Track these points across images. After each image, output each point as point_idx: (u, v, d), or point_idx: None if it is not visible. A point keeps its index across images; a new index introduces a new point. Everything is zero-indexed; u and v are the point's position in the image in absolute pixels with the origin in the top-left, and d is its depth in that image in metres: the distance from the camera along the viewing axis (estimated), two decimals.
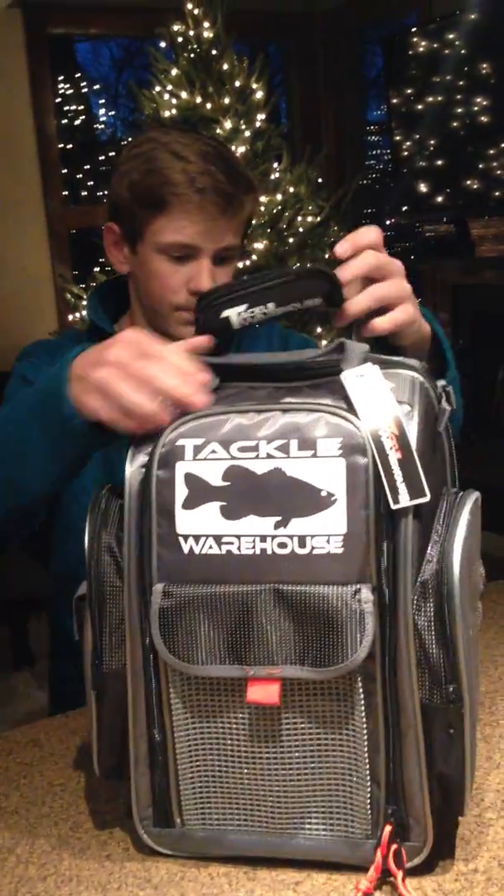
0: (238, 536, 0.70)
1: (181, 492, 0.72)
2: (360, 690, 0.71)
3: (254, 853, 0.76)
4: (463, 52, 3.20)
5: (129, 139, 3.72)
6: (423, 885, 0.72)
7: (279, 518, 0.70)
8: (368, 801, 0.73)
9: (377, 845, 0.72)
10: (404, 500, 0.68)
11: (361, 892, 0.70)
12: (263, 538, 0.70)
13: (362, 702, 0.71)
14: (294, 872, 0.75)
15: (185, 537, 0.72)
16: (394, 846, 0.71)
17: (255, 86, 3.03)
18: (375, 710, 0.71)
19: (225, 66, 2.97)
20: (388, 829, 0.71)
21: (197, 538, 0.72)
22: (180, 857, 0.78)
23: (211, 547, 0.71)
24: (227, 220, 1.12)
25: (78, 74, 4.49)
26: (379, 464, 0.68)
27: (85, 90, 4.36)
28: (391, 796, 0.72)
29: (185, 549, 0.72)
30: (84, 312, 3.10)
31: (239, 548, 0.70)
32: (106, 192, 3.36)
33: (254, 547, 0.70)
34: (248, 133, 3.01)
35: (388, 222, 3.84)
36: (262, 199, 2.98)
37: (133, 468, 0.74)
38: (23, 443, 0.85)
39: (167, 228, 1.11)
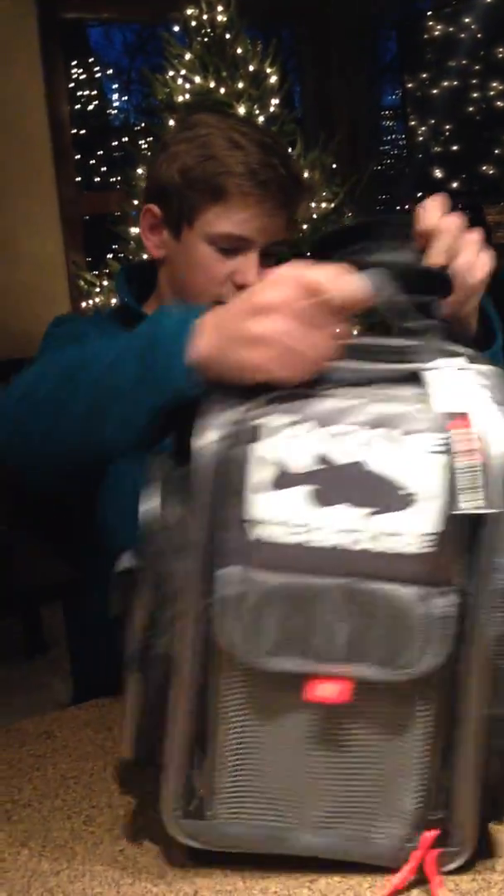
0: (320, 526, 0.67)
1: (262, 473, 0.68)
2: (426, 695, 0.69)
3: (287, 851, 0.75)
4: (479, 35, 3.17)
5: (143, 125, 3.70)
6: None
7: (369, 510, 0.66)
8: (416, 805, 0.71)
9: (415, 848, 0.70)
10: (486, 506, 0.66)
11: (393, 886, 0.69)
12: (348, 530, 0.67)
13: (426, 707, 0.69)
14: (308, 870, 0.74)
15: (261, 522, 0.68)
16: (435, 851, 0.70)
17: (268, 70, 3.01)
18: (438, 716, 0.69)
19: (238, 51, 2.95)
20: (431, 833, 0.70)
21: (273, 523, 0.67)
22: (207, 850, 0.78)
23: (289, 534, 0.67)
24: (283, 217, 1.10)
25: (91, 60, 4.46)
26: (468, 465, 0.66)
27: (98, 76, 4.34)
28: (440, 802, 0.71)
29: (259, 534, 0.68)
30: (97, 300, 3.09)
31: (319, 538, 0.67)
32: (119, 178, 3.35)
33: (335, 538, 0.67)
34: (261, 118, 2.98)
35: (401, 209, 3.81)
36: None
37: (205, 442, 0.69)
38: (114, 388, 0.79)
39: (222, 218, 1.08)
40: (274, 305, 0.70)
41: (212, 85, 2.92)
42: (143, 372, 0.77)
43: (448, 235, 0.84)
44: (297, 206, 1.14)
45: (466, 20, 3.21)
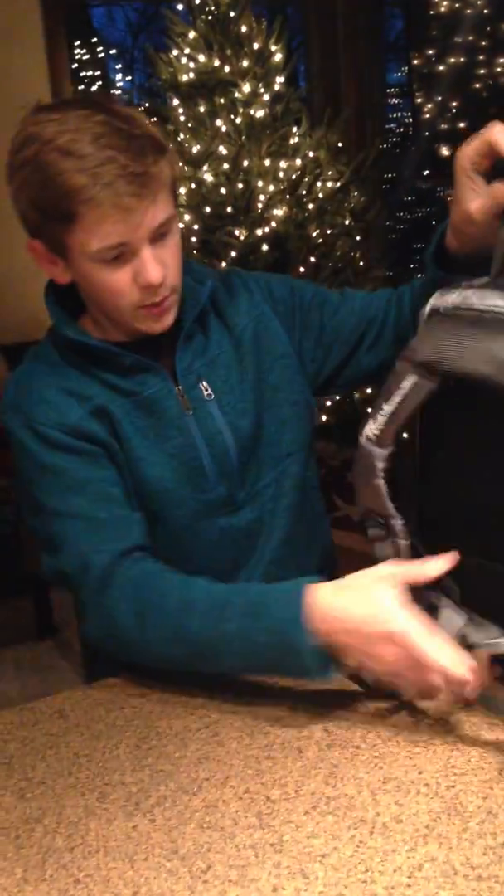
0: None
1: None
2: None
3: None
4: (485, 11, 3.13)
5: (146, 105, 3.66)
6: (450, 859, 0.71)
7: None
8: None
9: None
10: None
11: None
12: None
13: None
14: (321, 844, 0.75)
15: None
16: None
17: (273, 48, 2.98)
18: None
19: (243, 29, 2.92)
20: None
21: None
22: (206, 825, 0.78)
23: None
24: (149, 200, 0.99)
25: (94, 40, 4.43)
26: None
27: (102, 55, 4.31)
28: None
29: None
30: None
31: None
32: None
33: None
34: (266, 97, 2.96)
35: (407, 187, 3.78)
36: (282, 164, 2.93)
37: None
38: (230, 661, 0.96)
39: (90, 237, 0.99)
40: (387, 661, 0.87)
41: (216, 63, 2.90)
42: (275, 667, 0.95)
43: None
44: (160, 178, 1.00)
45: None
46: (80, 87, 4.42)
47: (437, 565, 0.87)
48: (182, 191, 2.89)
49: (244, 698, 0.98)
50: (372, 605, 0.87)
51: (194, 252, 2.90)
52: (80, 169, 0.96)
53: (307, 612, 0.89)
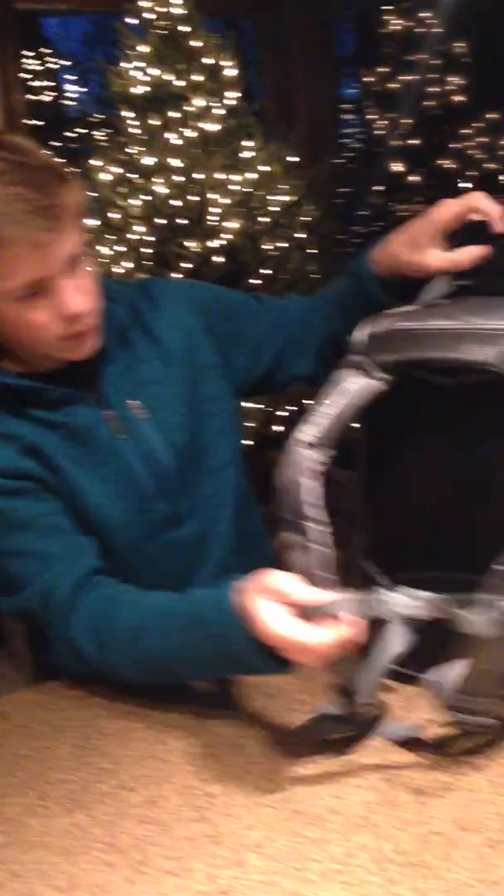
0: None
1: None
2: None
3: None
4: (437, 30, 3.20)
5: (100, 116, 3.66)
6: (382, 847, 0.73)
7: None
8: None
9: None
10: None
11: None
12: None
13: None
14: (257, 836, 0.76)
15: None
16: None
17: (225, 63, 3.01)
18: None
19: (195, 43, 2.95)
20: None
21: None
22: (145, 820, 0.79)
23: None
24: (60, 232, 0.97)
25: (47, 51, 4.44)
26: None
27: (55, 67, 4.32)
28: None
29: None
30: None
31: None
32: (75, 170, 3.34)
33: None
34: (219, 111, 2.99)
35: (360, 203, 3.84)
36: (235, 177, 2.96)
37: None
38: (184, 671, 0.96)
39: (4, 278, 0.97)
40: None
41: (168, 77, 2.92)
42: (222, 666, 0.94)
43: None
44: (67, 209, 0.98)
45: (424, 15, 3.24)
46: (33, 98, 4.41)
47: (318, 597, 0.81)
48: (134, 202, 2.91)
49: (187, 699, 0.99)
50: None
51: (147, 263, 2.91)
52: None
53: (239, 614, 0.86)
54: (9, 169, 0.95)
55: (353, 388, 0.90)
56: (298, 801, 0.80)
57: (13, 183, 0.94)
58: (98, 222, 2.90)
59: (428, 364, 0.88)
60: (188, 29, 2.93)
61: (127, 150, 2.96)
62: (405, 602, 0.80)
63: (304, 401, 3.01)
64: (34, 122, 4.24)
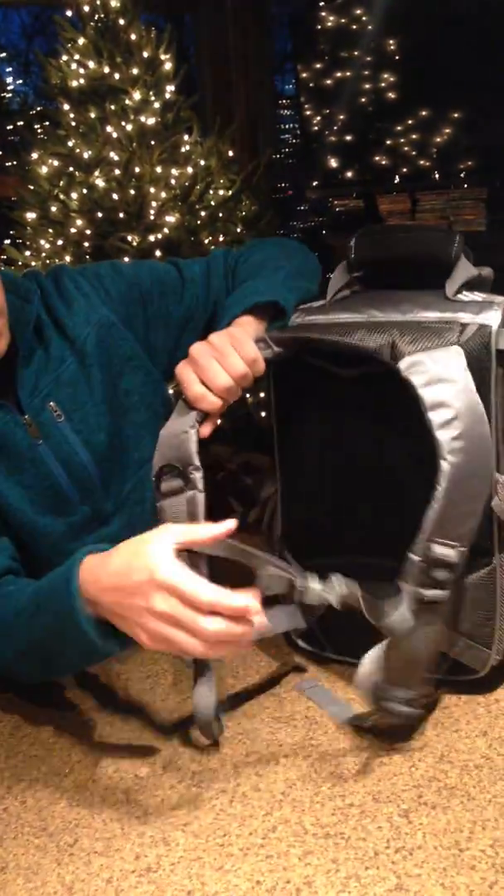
0: None
1: None
2: None
3: None
4: (370, 27, 3.25)
5: (39, 109, 3.62)
6: (302, 821, 0.77)
7: None
8: None
9: None
10: None
11: None
12: None
13: None
14: (183, 814, 0.79)
15: None
16: None
17: (163, 57, 3.02)
18: None
19: (133, 37, 2.95)
20: None
21: None
22: (75, 803, 0.82)
23: None
24: None
25: None
26: None
27: None
28: None
29: None
30: None
31: None
32: (14, 163, 3.31)
33: None
34: (157, 104, 2.99)
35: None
36: (174, 171, 2.97)
37: None
38: (49, 655, 0.89)
39: None
40: (155, 611, 0.78)
41: (106, 70, 2.92)
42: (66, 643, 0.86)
43: None
44: None
45: (358, 12, 3.29)
46: None
47: (214, 528, 0.82)
48: (73, 196, 2.90)
49: (118, 687, 1.02)
50: (132, 557, 0.82)
51: (87, 257, 2.91)
52: None
53: (78, 584, 0.84)
54: None
55: None
56: (223, 781, 0.83)
57: None
58: (37, 216, 2.89)
59: (315, 345, 0.92)
60: (125, 22, 2.93)
61: (66, 143, 2.95)
62: (318, 593, 0.84)
63: None
64: None
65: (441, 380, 0.82)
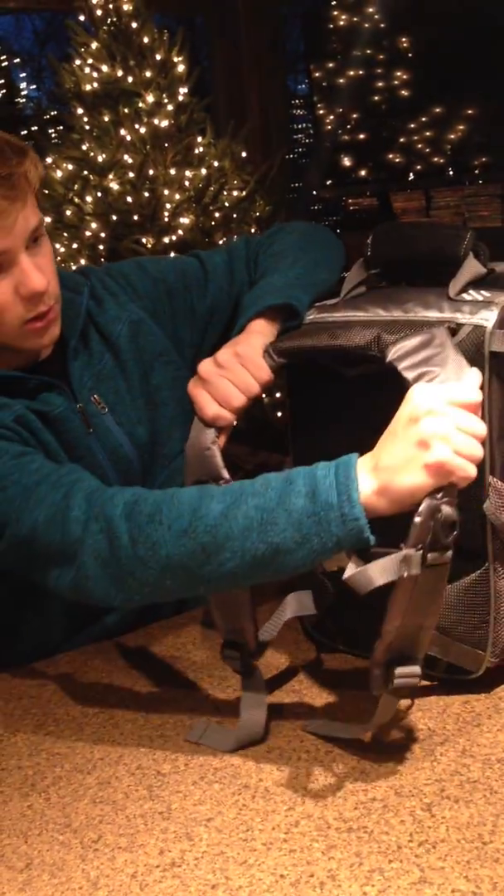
0: None
1: None
2: None
3: None
4: (382, 25, 3.25)
5: (53, 113, 3.67)
6: (325, 815, 0.77)
7: None
8: None
9: None
10: None
11: None
12: None
13: None
14: (206, 810, 0.79)
15: None
16: None
17: (176, 59, 3.03)
18: None
19: (145, 40, 2.96)
20: None
21: None
22: (98, 800, 0.82)
23: None
24: (20, 203, 0.97)
25: None
26: None
27: (5, 64, 4.31)
28: None
29: None
30: None
31: None
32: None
33: None
34: (170, 107, 3.01)
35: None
36: (188, 173, 2.98)
37: None
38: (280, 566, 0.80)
39: None
40: (438, 434, 0.76)
41: (119, 74, 2.93)
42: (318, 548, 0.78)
43: None
44: (28, 181, 0.99)
45: (370, 10, 3.28)
46: None
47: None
48: (88, 199, 2.92)
49: (139, 684, 1.02)
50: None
51: (102, 260, 2.93)
52: None
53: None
54: None
55: None
56: (245, 776, 0.83)
57: None
58: (52, 220, 2.91)
59: (314, 350, 0.92)
60: (137, 25, 2.94)
61: (81, 147, 2.97)
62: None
63: None
64: None
65: (427, 358, 0.81)
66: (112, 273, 1.20)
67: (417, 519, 0.76)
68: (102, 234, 2.91)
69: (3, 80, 3.70)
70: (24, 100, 4.91)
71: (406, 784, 0.79)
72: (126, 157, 2.91)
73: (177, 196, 2.92)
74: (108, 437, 1.11)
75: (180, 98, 3.04)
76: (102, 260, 2.93)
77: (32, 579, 0.94)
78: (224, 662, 0.94)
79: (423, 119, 3.15)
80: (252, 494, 0.81)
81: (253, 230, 3.15)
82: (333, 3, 3.41)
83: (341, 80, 3.43)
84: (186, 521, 0.82)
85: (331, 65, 3.44)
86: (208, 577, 0.82)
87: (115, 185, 2.90)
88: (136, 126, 2.95)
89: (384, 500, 0.77)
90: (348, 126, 3.42)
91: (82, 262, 2.88)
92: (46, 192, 2.97)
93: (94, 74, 2.95)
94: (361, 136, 3.38)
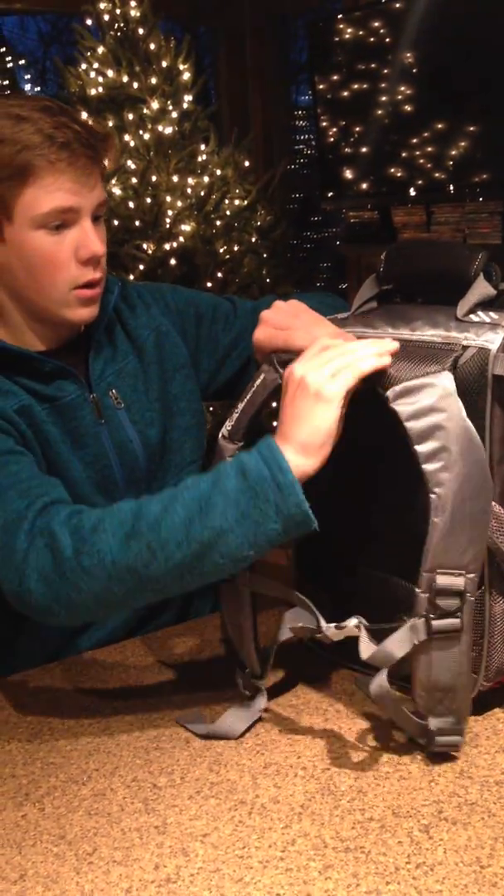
0: None
1: None
2: None
3: None
4: (387, 40, 3.26)
5: None
6: (322, 834, 0.76)
7: None
8: None
9: None
10: None
11: None
12: None
13: None
14: (202, 825, 0.79)
15: None
16: None
17: (181, 67, 3.04)
18: None
19: (152, 46, 2.97)
20: None
21: None
22: (93, 812, 0.82)
23: None
24: (97, 172, 1.04)
25: (2, 49, 4.41)
26: None
27: (10, 65, 4.30)
28: None
29: None
30: None
31: None
32: None
33: None
34: (175, 114, 3.01)
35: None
36: (190, 180, 2.99)
37: None
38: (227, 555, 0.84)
39: (42, 196, 1.00)
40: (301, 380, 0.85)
41: (125, 79, 2.94)
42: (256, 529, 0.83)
43: None
44: (105, 157, 1.06)
45: (375, 24, 3.30)
46: None
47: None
48: None
49: (135, 694, 1.02)
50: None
51: None
52: (37, 131, 0.99)
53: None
54: (55, 107, 1.03)
55: (257, 382, 0.95)
56: (242, 792, 0.83)
57: (60, 114, 1.02)
58: None
59: None
60: (144, 31, 2.94)
61: None
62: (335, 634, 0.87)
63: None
64: None
65: (430, 410, 0.82)
66: (148, 287, 1.26)
67: (417, 590, 0.82)
68: None
69: (7, 82, 3.70)
70: None
71: (404, 805, 0.79)
72: (129, 162, 2.92)
73: (179, 203, 2.93)
74: (120, 431, 1.13)
75: (185, 106, 3.05)
76: None
77: None
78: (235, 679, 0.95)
79: (426, 134, 3.17)
80: (186, 488, 0.86)
81: (253, 239, 3.16)
82: (340, 16, 3.42)
83: (345, 93, 3.44)
84: (129, 524, 0.85)
85: (335, 77, 3.45)
86: (155, 577, 0.84)
87: (117, 191, 2.91)
88: (140, 132, 2.96)
89: (308, 455, 0.84)
90: (351, 139, 3.43)
91: None
92: None
93: (100, 79, 2.95)
94: (363, 150, 3.39)
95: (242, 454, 0.86)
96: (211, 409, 2.89)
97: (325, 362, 0.86)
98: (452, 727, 0.84)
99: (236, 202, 3.11)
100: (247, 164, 3.19)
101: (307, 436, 0.84)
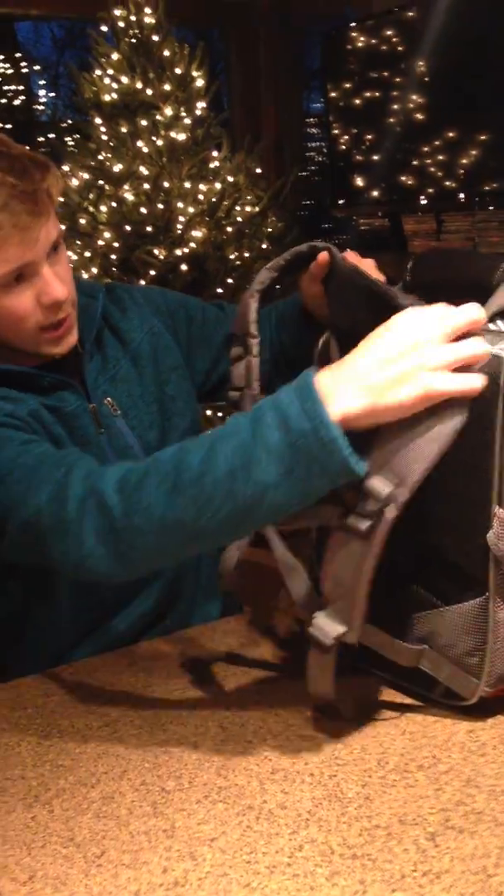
0: None
1: None
2: None
3: None
4: (400, 49, 3.27)
5: (70, 121, 3.71)
6: (329, 841, 0.77)
7: None
8: None
9: None
10: None
11: None
12: None
13: None
14: (210, 830, 0.80)
15: None
16: None
17: (195, 73, 3.05)
18: None
19: (166, 53, 2.99)
20: None
21: None
22: (102, 815, 0.82)
23: None
24: (44, 218, 1.00)
25: (18, 54, 4.45)
26: None
27: (25, 71, 4.33)
28: None
29: None
30: None
31: None
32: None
33: None
34: (188, 120, 3.03)
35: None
36: (202, 187, 3.00)
37: None
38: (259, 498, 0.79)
39: None
40: (408, 347, 0.79)
41: (139, 86, 2.95)
42: (294, 469, 0.77)
43: None
44: (51, 196, 1.02)
45: (389, 33, 3.31)
46: (2, 101, 4.41)
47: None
48: (103, 208, 2.93)
49: (144, 697, 1.03)
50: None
51: (114, 269, 2.94)
52: None
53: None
54: None
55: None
56: (250, 797, 0.84)
57: None
58: (66, 227, 2.92)
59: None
60: (159, 38, 2.96)
61: (97, 156, 2.98)
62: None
63: None
64: (4, 125, 4.25)
65: None
66: (139, 289, 1.27)
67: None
68: (115, 244, 2.92)
69: (22, 87, 3.72)
70: (42, 106, 4.94)
71: (410, 812, 0.80)
72: (142, 168, 2.93)
73: (190, 209, 2.94)
74: (119, 438, 1.13)
75: (198, 112, 3.07)
76: (114, 269, 2.95)
77: (43, 565, 0.95)
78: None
79: (437, 143, 3.17)
80: (226, 437, 0.80)
81: (264, 245, 3.17)
82: (353, 24, 3.44)
83: (357, 101, 3.46)
84: (172, 479, 0.82)
85: (347, 85, 3.47)
86: (206, 529, 0.81)
87: (129, 196, 2.92)
88: (153, 138, 2.97)
89: (369, 418, 0.78)
90: (362, 147, 3.44)
91: (94, 270, 2.89)
92: (62, 199, 2.99)
93: (114, 85, 2.97)
94: (375, 158, 3.40)
95: (283, 394, 0.79)
96: (208, 412, 2.91)
97: (451, 350, 0.80)
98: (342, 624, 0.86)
99: (248, 209, 3.12)
100: (258, 170, 3.20)
101: (382, 402, 0.77)
